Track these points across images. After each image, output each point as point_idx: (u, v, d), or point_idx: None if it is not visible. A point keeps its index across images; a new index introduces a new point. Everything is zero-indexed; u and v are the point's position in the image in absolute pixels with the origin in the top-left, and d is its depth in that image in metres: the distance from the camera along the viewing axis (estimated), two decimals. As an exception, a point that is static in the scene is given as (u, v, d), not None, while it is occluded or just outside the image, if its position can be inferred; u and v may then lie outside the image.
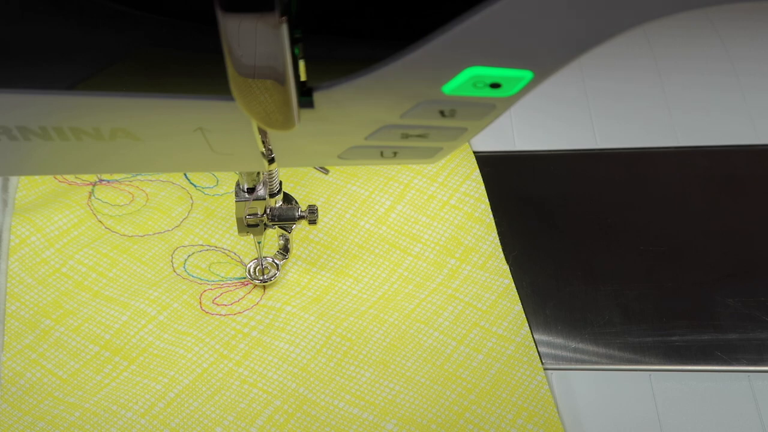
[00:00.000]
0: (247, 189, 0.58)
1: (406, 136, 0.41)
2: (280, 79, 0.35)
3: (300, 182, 0.72)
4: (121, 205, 0.71)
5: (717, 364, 0.61)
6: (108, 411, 0.58)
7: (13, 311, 0.64)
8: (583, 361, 0.62)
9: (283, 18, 0.32)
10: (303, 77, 0.37)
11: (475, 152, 0.74)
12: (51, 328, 0.63)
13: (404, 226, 0.69)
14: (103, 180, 0.72)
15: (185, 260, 0.68)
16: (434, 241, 0.68)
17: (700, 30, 0.88)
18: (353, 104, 0.38)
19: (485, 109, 0.39)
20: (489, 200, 0.70)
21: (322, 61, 0.37)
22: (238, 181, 0.58)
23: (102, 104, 0.38)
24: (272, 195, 0.60)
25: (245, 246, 0.68)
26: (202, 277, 0.67)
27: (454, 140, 0.41)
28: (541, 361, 0.61)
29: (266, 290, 0.66)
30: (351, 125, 0.40)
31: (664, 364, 0.61)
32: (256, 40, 0.33)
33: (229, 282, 0.66)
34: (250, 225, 0.60)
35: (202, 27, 0.35)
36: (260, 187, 0.58)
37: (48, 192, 0.72)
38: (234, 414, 0.58)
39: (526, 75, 0.36)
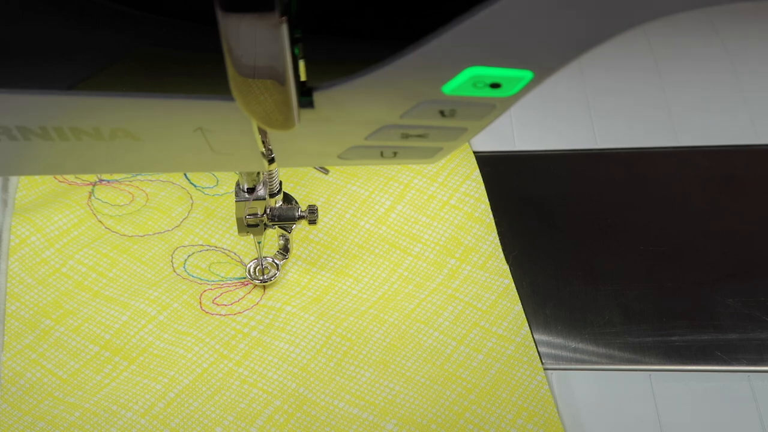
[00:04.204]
0: (247, 189, 0.58)
1: (406, 136, 0.41)
2: (280, 79, 0.35)
3: (300, 182, 0.72)
4: (121, 205, 0.71)
5: (717, 364, 0.61)
6: (108, 411, 0.58)
7: (13, 311, 0.64)
8: (583, 361, 0.62)
9: (283, 18, 0.32)
10: (303, 77, 0.37)
11: (475, 152, 0.74)
12: (51, 328, 0.63)
13: (404, 226, 0.69)
14: (103, 180, 0.72)
15: (185, 260, 0.68)
16: (434, 241, 0.68)
17: (700, 30, 0.88)
18: (353, 104, 0.38)
19: (485, 109, 0.39)
20: (489, 200, 0.70)
21: (322, 61, 0.37)
22: (238, 181, 0.58)
23: (102, 104, 0.38)
24: (272, 195, 0.60)
25: (245, 246, 0.68)
26: (202, 277, 0.67)
27: (454, 140, 0.41)
28: (541, 361, 0.61)
29: (266, 290, 0.66)
30: (351, 125, 0.40)
31: (664, 364, 0.61)
32: (256, 40, 0.33)
33: (229, 282, 0.66)
34: (250, 225, 0.60)
35: (202, 27, 0.35)
36: (260, 187, 0.58)
37: (48, 192, 0.72)
38: (234, 414, 0.58)
39: (526, 75, 0.36)
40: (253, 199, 0.58)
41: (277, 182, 0.59)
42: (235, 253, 0.68)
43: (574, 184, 0.74)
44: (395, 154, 0.43)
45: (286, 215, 0.62)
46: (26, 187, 0.72)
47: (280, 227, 0.63)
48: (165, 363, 0.61)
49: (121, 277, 0.66)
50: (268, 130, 0.40)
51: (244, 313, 0.64)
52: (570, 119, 0.79)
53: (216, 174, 0.73)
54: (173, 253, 0.68)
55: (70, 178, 0.72)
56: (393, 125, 0.40)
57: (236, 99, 0.36)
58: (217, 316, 0.64)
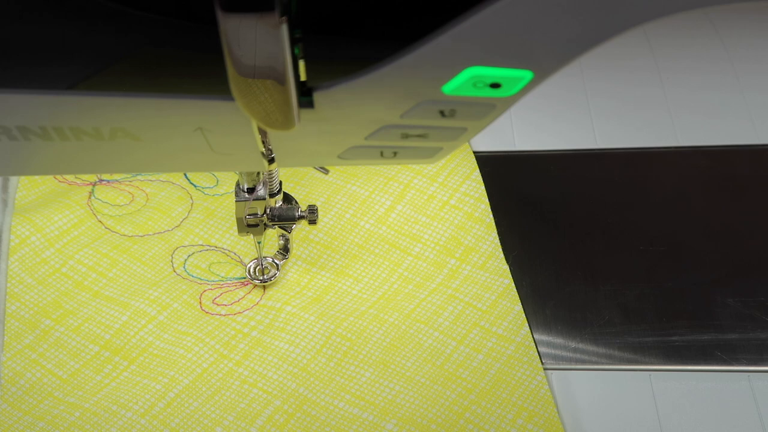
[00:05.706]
0: (247, 189, 0.58)
1: (406, 136, 0.41)
2: (280, 79, 0.35)
3: (300, 182, 0.72)
4: (121, 205, 0.71)
5: (717, 364, 0.61)
6: (108, 411, 0.58)
7: (13, 311, 0.64)
8: (583, 361, 0.62)
9: (283, 18, 0.32)
10: (303, 77, 0.37)
11: (475, 152, 0.74)
12: (51, 328, 0.63)
13: (404, 226, 0.69)
14: (103, 180, 0.72)
15: (185, 260, 0.68)
16: (434, 241, 0.68)
17: (700, 30, 0.88)
18: (353, 104, 0.38)
19: (485, 109, 0.39)
20: (489, 200, 0.70)
21: (322, 61, 0.37)
22: (238, 181, 0.58)
23: (102, 104, 0.38)
24: (272, 195, 0.60)
25: (245, 246, 0.68)
26: (202, 277, 0.67)
27: (454, 140, 0.41)
28: (541, 361, 0.61)
29: (266, 290, 0.66)
30: (351, 125, 0.40)
31: (664, 364, 0.61)
32: (256, 40, 0.33)
33: (229, 282, 0.66)
34: (250, 225, 0.60)
35: (202, 27, 0.35)
36: (260, 187, 0.58)
37: (48, 192, 0.72)
38: (234, 414, 0.58)
39: (526, 75, 0.36)
40: (253, 199, 0.58)
41: (277, 182, 0.59)
42: (235, 253, 0.68)
43: (574, 184, 0.74)
44: (395, 154, 0.43)
45: (286, 215, 0.62)
46: (26, 187, 0.72)
47: (280, 227, 0.63)
48: (165, 363, 0.61)
49: (121, 277, 0.66)
50: (268, 130, 0.40)
51: (244, 313, 0.64)
52: (570, 119, 0.79)
53: (216, 174, 0.73)
54: (173, 253, 0.68)
55: (70, 178, 0.72)
56: (393, 125, 0.40)
57: (236, 99, 0.36)
58: (217, 316, 0.64)
